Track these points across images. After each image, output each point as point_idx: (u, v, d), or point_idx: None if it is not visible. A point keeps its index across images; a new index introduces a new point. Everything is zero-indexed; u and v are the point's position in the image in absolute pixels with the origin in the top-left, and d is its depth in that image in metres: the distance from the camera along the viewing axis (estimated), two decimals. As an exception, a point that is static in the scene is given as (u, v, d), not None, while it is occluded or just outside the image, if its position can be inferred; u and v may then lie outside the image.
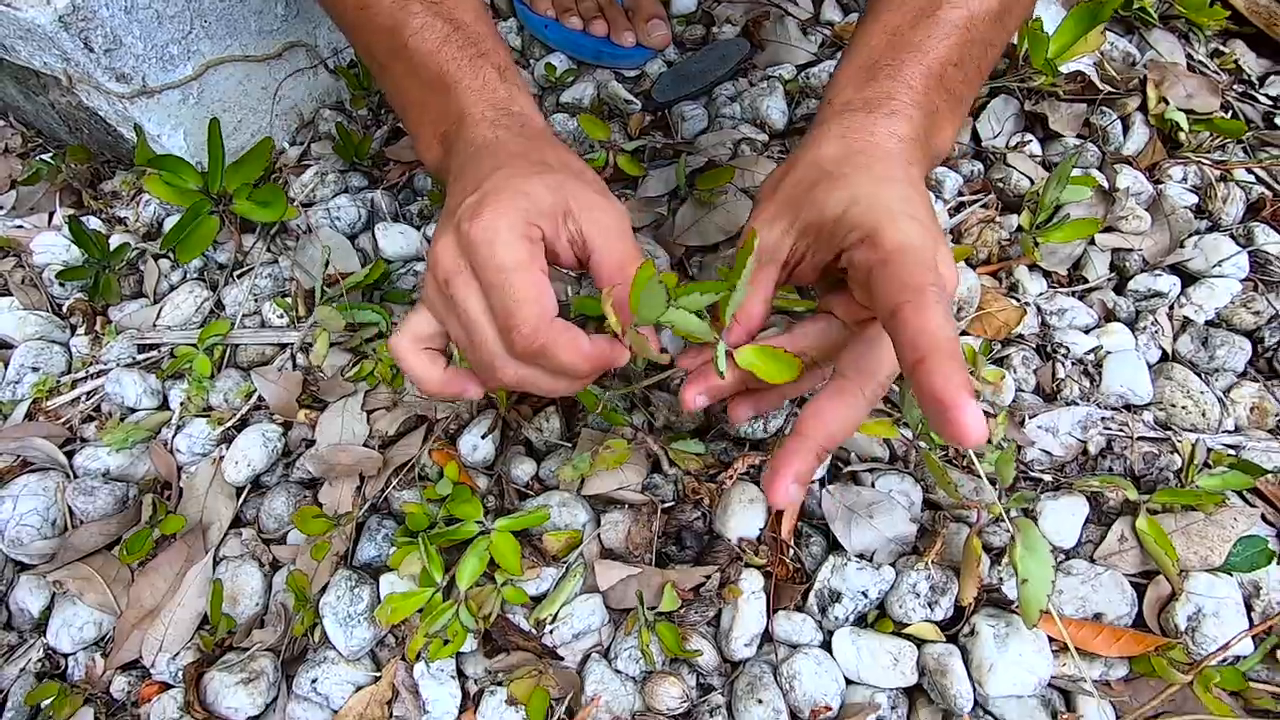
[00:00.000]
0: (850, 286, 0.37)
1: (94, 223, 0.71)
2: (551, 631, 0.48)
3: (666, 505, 0.51)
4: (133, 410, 0.60)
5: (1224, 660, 0.43)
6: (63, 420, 0.60)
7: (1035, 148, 0.65)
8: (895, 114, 0.40)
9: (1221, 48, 0.70)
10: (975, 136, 0.67)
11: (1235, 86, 0.67)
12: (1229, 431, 0.52)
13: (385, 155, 0.73)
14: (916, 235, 0.33)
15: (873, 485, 0.51)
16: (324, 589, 0.50)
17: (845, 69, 0.43)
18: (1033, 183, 0.62)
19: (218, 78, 0.68)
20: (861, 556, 0.48)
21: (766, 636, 0.47)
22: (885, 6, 0.43)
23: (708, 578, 0.48)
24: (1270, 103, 0.66)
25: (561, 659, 0.47)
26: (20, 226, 0.71)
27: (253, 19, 0.69)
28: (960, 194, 0.64)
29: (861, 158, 0.38)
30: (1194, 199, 0.62)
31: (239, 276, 0.66)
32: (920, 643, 0.46)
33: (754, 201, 0.42)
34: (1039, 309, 0.58)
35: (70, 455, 0.58)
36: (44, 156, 0.74)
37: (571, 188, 0.39)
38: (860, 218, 0.34)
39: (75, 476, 0.56)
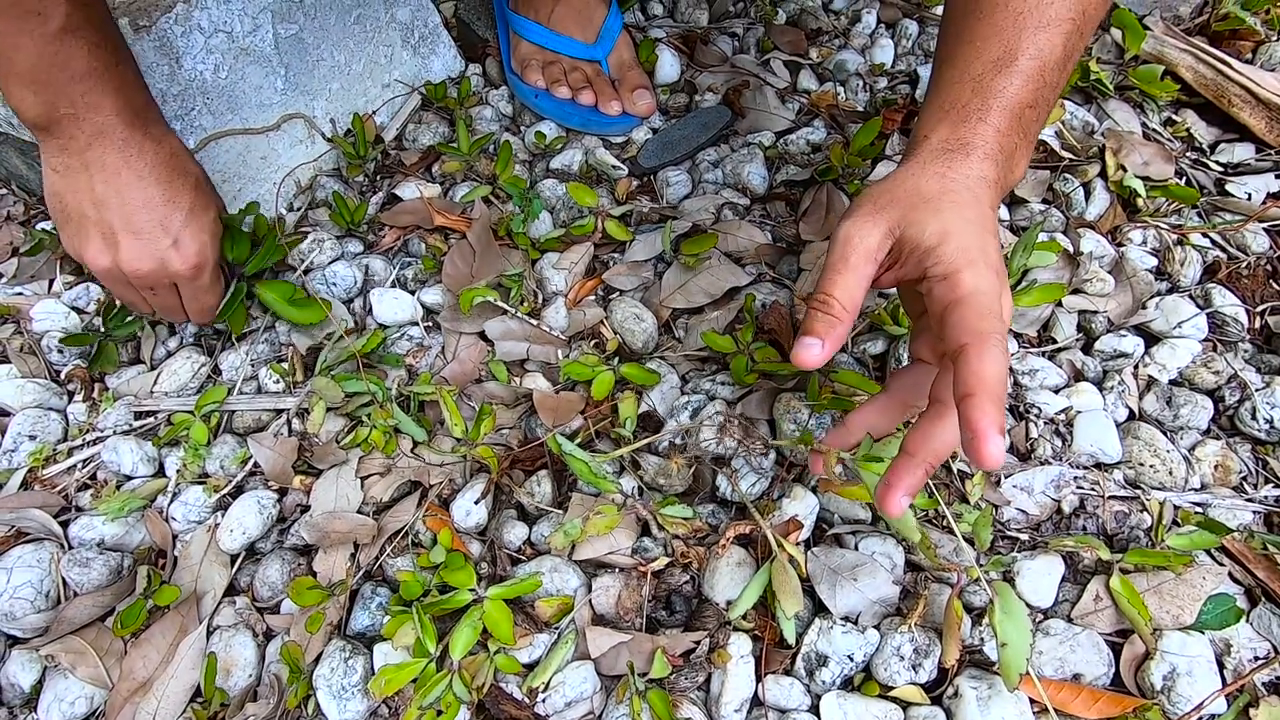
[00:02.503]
0: (926, 310, 0.42)
1: (93, 289, 0.72)
2: (544, 700, 0.48)
3: (657, 569, 0.52)
4: (129, 478, 0.61)
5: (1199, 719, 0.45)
6: (58, 489, 0.61)
7: (1003, 213, 0.68)
8: (986, 157, 0.45)
9: (1174, 117, 0.74)
10: (946, 202, 0.70)
11: (1188, 154, 0.71)
12: (1195, 489, 0.54)
13: (380, 221, 0.75)
14: (988, 284, 0.39)
15: (855, 547, 0.52)
16: (317, 659, 0.51)
17: (934, 110, 0.47)
18: (1001, 247, 0.65)
19: (218, 150, 0.71)
20: (846, 619, 0.49)
21: (756, 701, 0.48)
22: (965, 55, 0.47)
23: (697, 643, 0.49)
24: (1221, 169, 0.70)
25: (554, 728, 0.48)
26: (20, 294, 0.72)
27: (252, 94, 0.71)
28: (934, 257, 0.67)
29: (956, 195, 0.43)
30: (1154, 261, 0.65)
31: (237, 341, 0.68)
32: (906, 705, 0.47)
33: (848, 209, 0.44)
34: (1011, 370, 0.60)
35: (65, 525, 0.58)
36: (45, 225, 0.76)
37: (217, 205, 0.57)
38: (948, 256, 0.40)
39: (70, 547, 0.57)
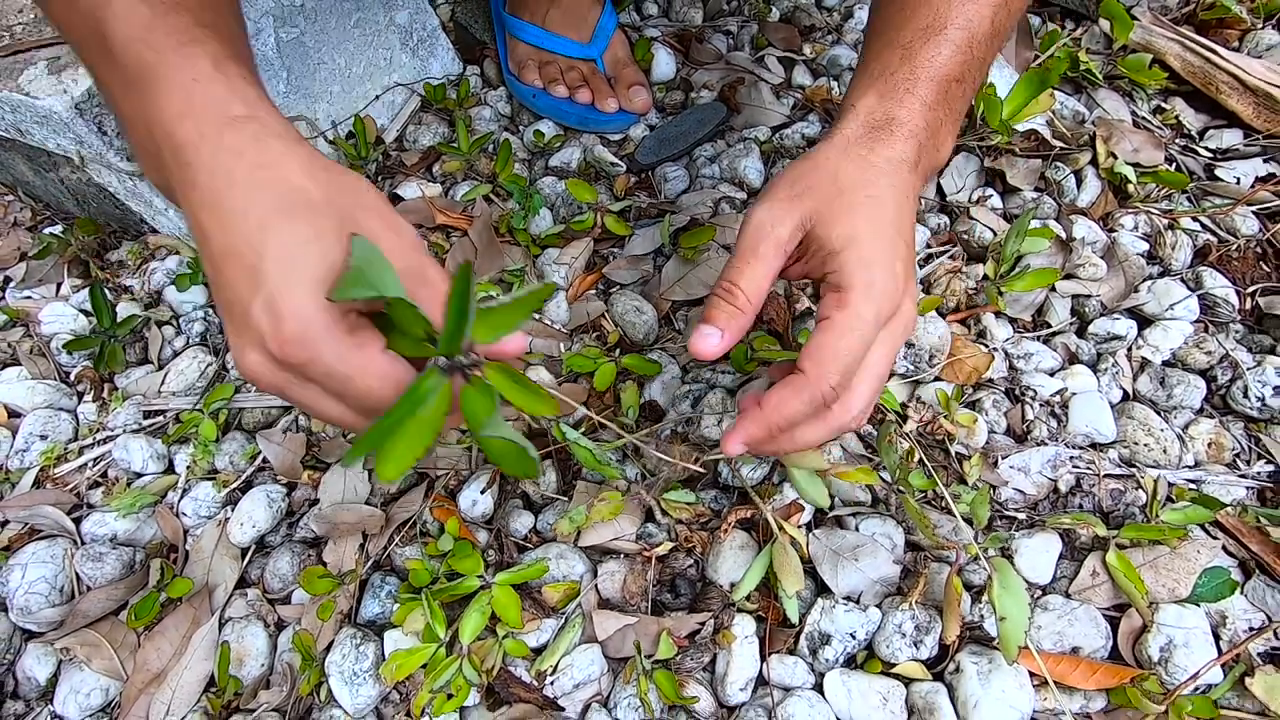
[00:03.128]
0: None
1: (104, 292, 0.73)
2: (553, 683, 0.49)
3: (661, 554, 0.53)
4: (139, 475, 0.62)
5: (1195, 689, 0.45)
6: (70, 487, 0.62)
7: (996, 201, 0.70)
8: (911, 136, 0.44)
9: (1163, 105, 0.75)
10: (940, 191, 0.71)
11: (1177, 141, 0.72)
12: (1189, 466, 0.55)
13: (382, 220, 0.76)
14: (870, 313, 0.40)
15: (856, 529, 0.53)
16: (329, 647, 0.51)
17: (863, 77, 0.46)
18: (995, 234, 0.66)
19: (223, 153, 0.72)
20: (849, 599, 0.50)
21: (761, 680, 0.49)
22: (894, 21, 0.46)
23: (702, 624, 0.50)
24: (1209, 155, 0.71)
25: (563, 710, 0.49)
26: (29, 297, 0.73)
27: (256, 97, 0.72)
28: (929, 246, 0.68)
29: (874, 188, 0.42)
30: (1145, 246, 0.66)
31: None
32: (908, 681, 0.48)
33: (765, 190, 0.43)
34: (1006, 354, 0.61)
35: (78, 522, 0.59)
36: (53, 230, 0.77)
37: (340, 224, 0.33)
38: (848, 268, 0.40)
39: (83, 543, 0.58)
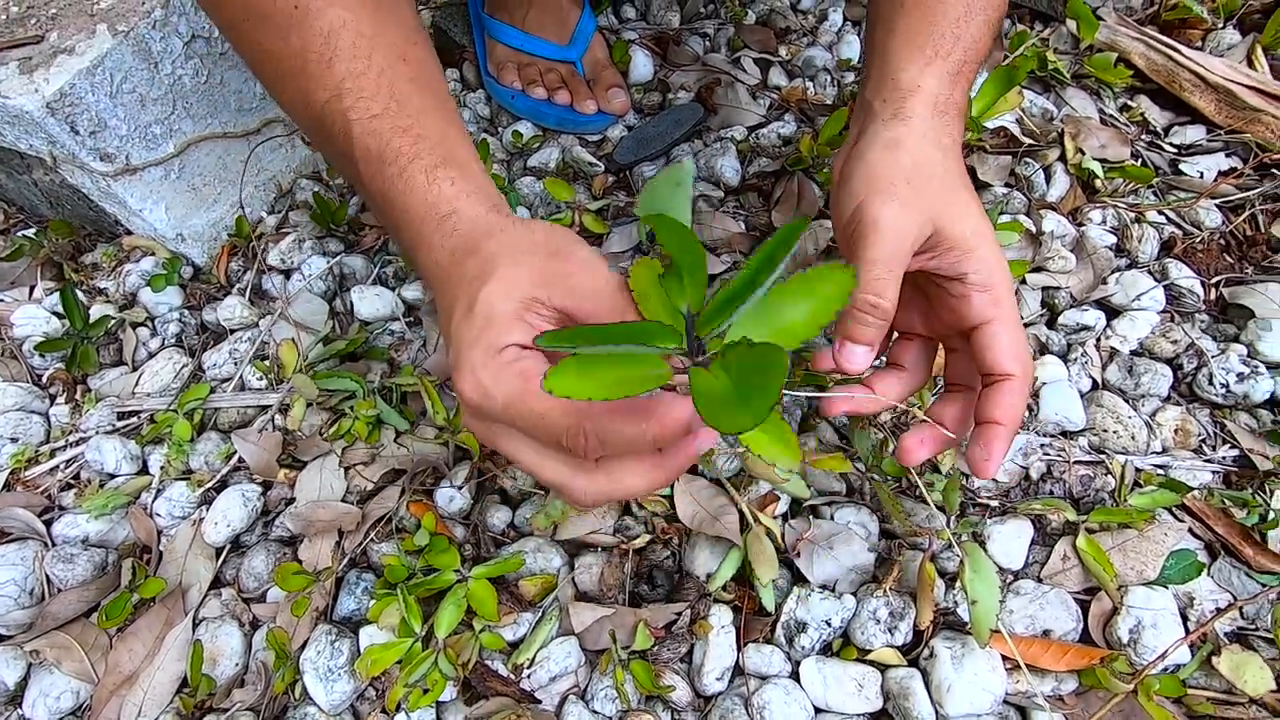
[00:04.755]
0: (937, 297, 0.43)
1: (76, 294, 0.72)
2: (529, 675, 0.49)
3: (638, 546, 0.53)
4: (112, 476, 0.61)
5: (1164, 669, 0.46)
6: (41, 489, 0.61)
7: (967, 197, 0.71)
8: (961, 118, 0.45)
9: (1129, 102, 0.76)
10: (913, 188, 0.72)
11: (1143, 137, 0.74)
12: (1156, 453, 0.56)
13: (360, 221, 0.76)
14: (1012, 301, 0.41)
15: (831, 518, 0.53)
16: (304, 645, 0.51)
17: (919, 57, 0.44)
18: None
19: (198, 154, 0.72)
20: (824, 587, 0.51)
21: (737, 670, 0.49)
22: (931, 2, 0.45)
23: (679, 615, 0.50)
24: (1174, 150, 0.72)
25: (539, 702, 0.49)
26: (1, 300, 0.72)
27: (232, 98, 0.72)
28: (902, 241, 0.69)
29: (964, 178, 0.43)
30: (1113, 239, 0.67)
31: (218, 341, 0.68)
32: (883, 668, 0.48)
33: (879, 187, 0.40)
34: (979, 345, 0.62)
35: (49, 524, 0.58)
36: (26, 232, 0.77)
37: (520, 274, 0.35)
38: (988, 264, 0.40)
39: (54, 545, 0.57)
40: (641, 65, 0.86)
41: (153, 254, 0.73)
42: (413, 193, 0.39)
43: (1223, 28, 0.78)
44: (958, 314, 0.41)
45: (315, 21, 0.41)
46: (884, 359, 0.47)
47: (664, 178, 0.30)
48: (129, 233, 0.73)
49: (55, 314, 0.71)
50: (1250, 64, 0.75)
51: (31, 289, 0.74)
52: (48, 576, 0.55)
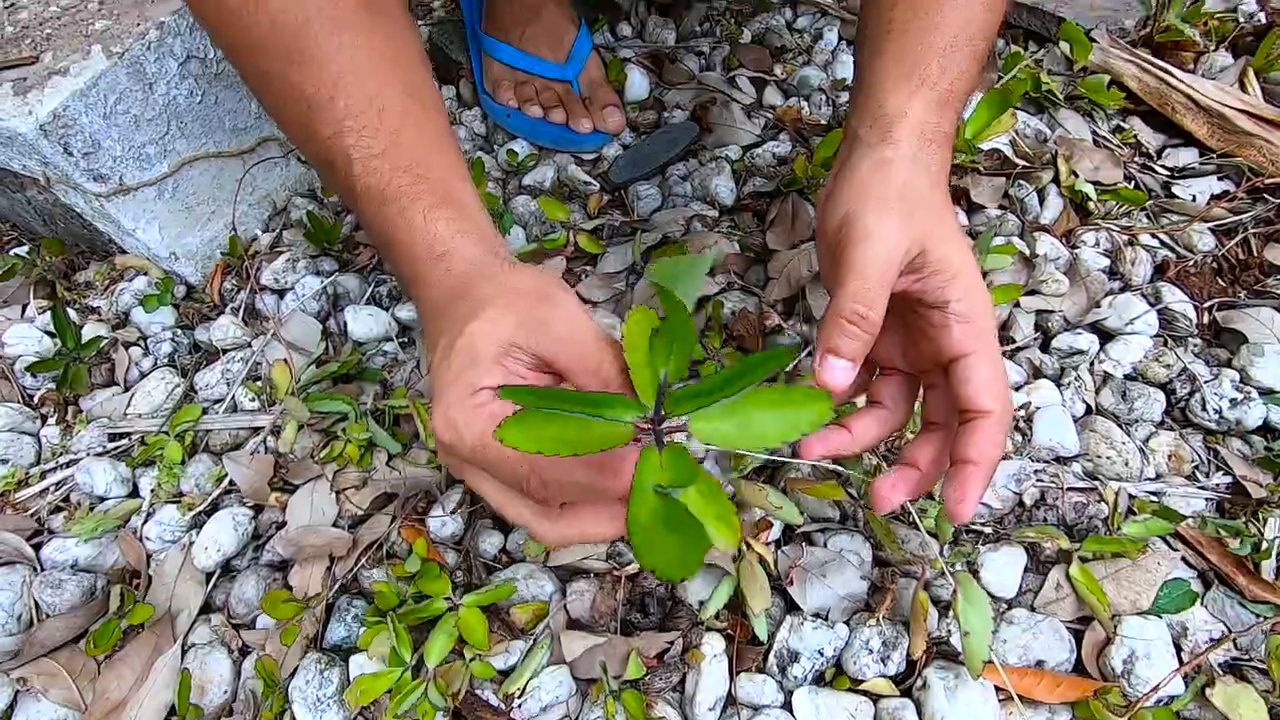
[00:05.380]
0: (917, 327, 0.42)
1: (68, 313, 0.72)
2: (520, 705, 0.49)
3: (630, 573, 0.53)
4: (102, 499, 0.61)
5: (1158, 701, 0.46)
6: (31, 512, 0.60)
7: (961, 218, 0.71)
8: (947, 146, 0.44)
9: (1122, 124, 0.77)
10: (907, 209, 0.72)
11: (1136, 159, 0.74)
12: (1150, 479, 0.56)
13: (355, 239, 0.76)
14: (993, 331, 0.40)
15: (825, 545, 0.53)
16: (293, 673, 0.51)
17: (905, 84, 0.43)
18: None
19: (193, 173, 0.71)
20: (817, 615, 0.50)
21: (730, 700, 0.49)
22: (924, 26, 0.44)
23: (671, 644, 0.50)
24: (1167, 173, 0.73)
25: (530, 733, 0.48)
26: (-8, 319, 0.72)
27: (227, 118, 0.72)
28: (896, 263, 0.69)
29: (949, 204, 0.43)
30: (1106, 262, 0.67)
31: (210, 361, 0.68)
32: (876, 698, 0.48)
33: (871, 205, 0.40)
34: (972, 369, 0.62)
35: (38, 548, 0.58)
36: (19, 250, 0.76)
37: (506, 318, 0.35)
38: (972, 294, 0.39)
39: (42, 569, 0.57)
40: (637, 84, 0.86)
41: (146, 273, 0.73)
42: (412, 231, 0.40)
43: (1215, 51, 0.79)
44: (937, 345, 0.40)
45: (319, 51, 0.41)
46: (864, 398, 0.46)
47: (688, 260, 0.32)
48: (122, 251, 0.73)
49: (47, 333, 0.71)
50: (1242, 87, 0.75)
51: (24, 307, 0.74)
52: (36, 602, 0.55)
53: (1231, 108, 0.72)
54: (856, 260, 0.38)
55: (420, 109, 0.43)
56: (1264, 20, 0.81)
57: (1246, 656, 0.48)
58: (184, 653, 0.53)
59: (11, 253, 0.76)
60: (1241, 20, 0.81)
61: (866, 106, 0.45)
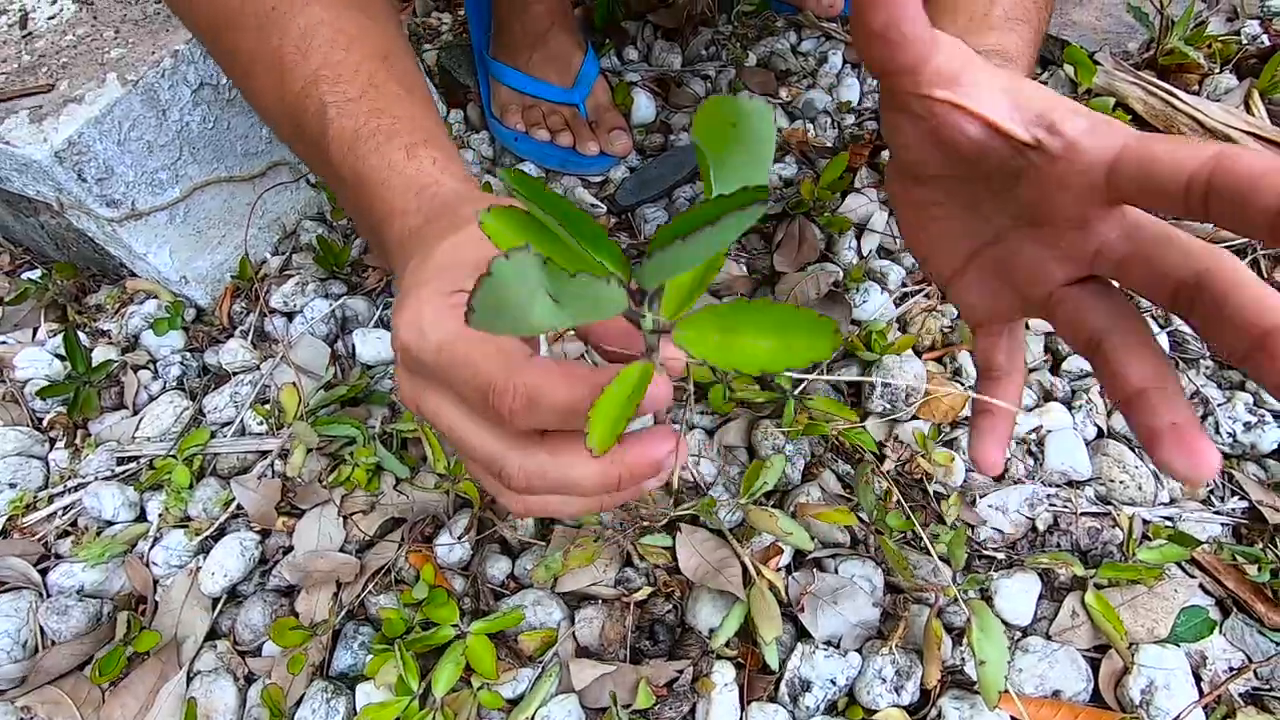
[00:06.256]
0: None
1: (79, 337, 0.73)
2: (528, 736, 0.48)
3: (639, 599, 0.53)
4: (110, 523, 0.61)
5: (1178, 733, 0.45)
6: (38, 537, 0.60)
7: (968, 240, 0.71)
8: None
9: (1127, 146, 0.77)
10: (914, 231, 0.72)
11: (1142, 180, 0.74)
12: (1164, 503, 0.55)
13: (364, 262, 0.76)
14: None
15: (835, 571, 0.53)
16: (299, 702, 0.50)
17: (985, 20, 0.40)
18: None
19: (204, 197, 0.72)
20: (829, 643, 0.50)
21: (741, 730, 0.48)
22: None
23: (681, 672, 0.49)
24: (1174, 195, 0.73)
25: (539, 764, 0.47)
26: (4, 343, 0.72)
27: (238, 143, 0.73)
28: (904, 285, 0.69)
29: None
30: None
31: (219, 384, 0.68)
32: (890, 729, 0.47)
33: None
34: (982, 391, 0.62)
35: (44, 573, 0.58)
36: (31, 275, 0.77)
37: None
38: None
39: (49, 595, 0.56)
40: (644, 107, 0.87)
41: (156, 296, 0.74)
42: (391, 168, 0.38)
43: (1219, 73, 0.79)
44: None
45: (292, 20, 0.42)
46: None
47: (745, 105, 0.21)
48: (133, 275, 0.74)
49: (58, 356, 0.71)
50: (1247, 109, 0.75)
51: (35, 331, 0.74)
52: (41, 628, 0.55)
53: (1237, 129, 0.72)
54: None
55: (397, 67, 0.43)
56: (1267, 42, 0.82)
57: (1268, 686, 0.47)
58: (189, 680, 0.53)
59: (24, 276, 0.77)
60: (1245, 42, 0.82)
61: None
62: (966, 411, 0.60)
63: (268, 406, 0.66)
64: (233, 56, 0.44)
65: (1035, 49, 0.42)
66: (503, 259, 0.19)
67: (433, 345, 0.28)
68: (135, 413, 0.67)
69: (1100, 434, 0.59)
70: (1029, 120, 0.28)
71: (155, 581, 0.58)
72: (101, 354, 0.70)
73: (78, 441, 0.66)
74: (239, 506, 0.60)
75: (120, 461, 0.64)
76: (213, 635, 0.55)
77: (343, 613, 0.54)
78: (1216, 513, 0.54)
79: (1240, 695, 0.46)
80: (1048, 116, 0.27)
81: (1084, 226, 0.28)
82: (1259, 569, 0.50)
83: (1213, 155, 0.23)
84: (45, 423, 0.68)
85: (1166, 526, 0.53)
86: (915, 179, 0.35)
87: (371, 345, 0.68)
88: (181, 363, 0.70)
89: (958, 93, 0.28)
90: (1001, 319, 0.35)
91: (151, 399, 0.68)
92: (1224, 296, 0.24)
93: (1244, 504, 0.55)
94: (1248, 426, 0.56)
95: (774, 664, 0.48)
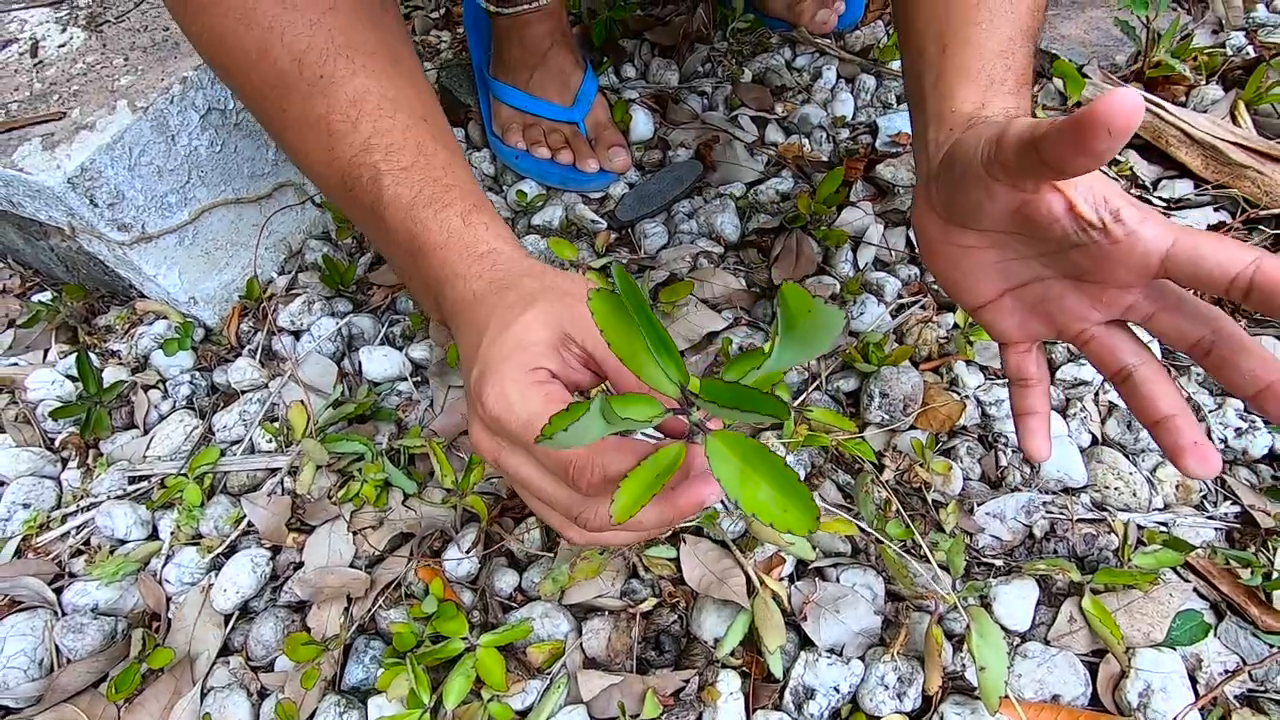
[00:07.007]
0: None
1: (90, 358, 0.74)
2: (538, 747, 0.49)
3: (645, 610, 0.54)
4: (123, 542, 0.62)
5: (1175, 735, 0.46)
6: (52, 556, 0.61)
7: (963, 252, 0.72)
8: None
9: (1118, 157, 0.78)
10: (910, 243, 0.74)
11: (1132, 191, 0.76)
12: (1158, 509, 0.56)
13: (369, 280, 0.78)
14: None
15: (837, 580, 0.54)
16: (312, 716, 0.51)
17: (974, 82, 0.42)
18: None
19: (212, 219, 0.74)
20: (832, 651, 0.51)
21: (747, 738, 0.49)
22: (978, 35, 0.43)
23: (686, 682, 0.50)
24: (1163, 205, 0.74)
25: (549, 774, 0.48)
26: (15, 364, 0.73)
27: (245, 165, 0.75)
28: (900, 296, 0.70)
29: None
30: (1107, 293, 0.68)
31: (228, 403, 0.69)
32: (893, 735, 0.48)
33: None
34: (979, 401, 0.63)
35: (59, 592, 0.59)
36: (42, 297, 0.78)
37: (560, 311, 0.37)
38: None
39: (64, 614, 0.57)
40: (642, 124, 0.88)
41: (165, 317, 0.75)
42: (449, 233, 0.42)
43: (1205, 84, 0.81)
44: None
45: (340, 89, 0.44)
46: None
47: (821, 310, 0.27)
48: (143, 296, 0.75)
49: (69, 377, 0.72)
50: (1234, 120, 0.77)
51: (45, 352, 0.75)
52: (57, 646, 0.55)
53: (1224, 140, 0.74)
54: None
55: (437, 130, 0.47)
56: (1252, 54, 0.83)
57: (1262, 688, 0.48)
58: (203, 696, 0.54)
59: (34, 299, 0.78)
60: (1230, 54, 0.84)
61: (941, 117, 0.42)
62: (962, 420, 0.61)
63: (276, 424, 0.67)
64: (281, 116, 0.46)
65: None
66: (566, 425, 0.26)
67: (521, 420, 0.33)
68: (146, 432, 0.69)
69: (1095, 441, 0.60)
70: (1098, 204, 0.34)
71: (168, 599, 0.58)
72: (112, 374, 0.71)
73: (89, 461, 0.67)
74: (250, 524, 0.61)
75: (132, 480, 0.65)
76: (225, 651, 0.56)
77: (354, 627, 0.55)
78: (1210, 518, 0.55)
79: (1235, 697, 0.47)
80: (1113, 204, 0.34)
81: (1127, 289, 0.36)
82: (1252, 573, 0.51)
83: (1254, 261, 0.30)
84: (57, 443, 0.69)
85: (1161, 532, 0.54)
86: (964, 226, 0.40)
87: (378, 363, 0.69)
88: (191, 382, 0.71)
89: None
90: (1032, 340, 0.42)
91: (162, 418, 0.69)
92: (1235, 355, 0.33)
93: (1236, 509, 0.56)
94: (1239, 432, 0.58)
95: (778, 672, 0.49)
